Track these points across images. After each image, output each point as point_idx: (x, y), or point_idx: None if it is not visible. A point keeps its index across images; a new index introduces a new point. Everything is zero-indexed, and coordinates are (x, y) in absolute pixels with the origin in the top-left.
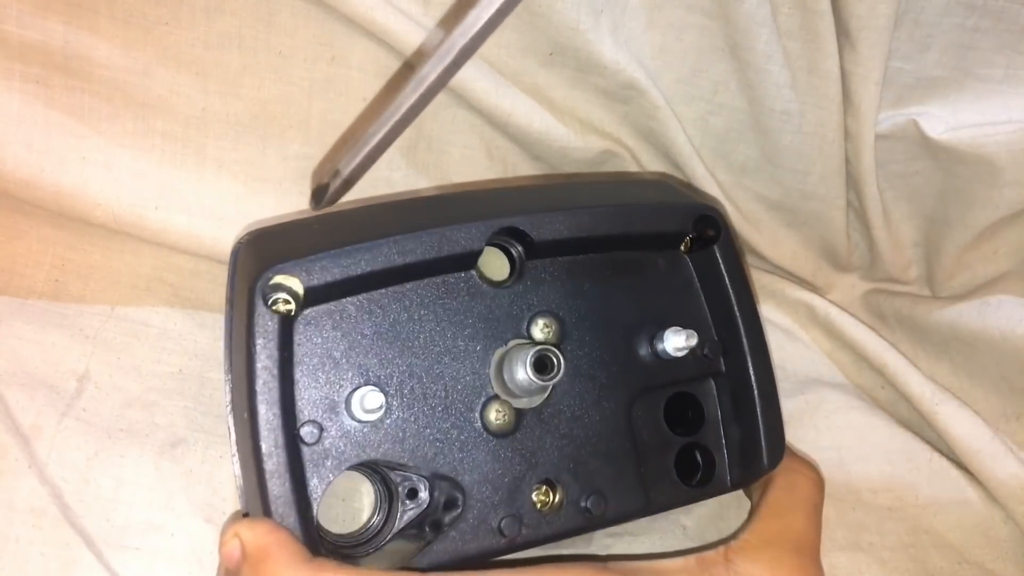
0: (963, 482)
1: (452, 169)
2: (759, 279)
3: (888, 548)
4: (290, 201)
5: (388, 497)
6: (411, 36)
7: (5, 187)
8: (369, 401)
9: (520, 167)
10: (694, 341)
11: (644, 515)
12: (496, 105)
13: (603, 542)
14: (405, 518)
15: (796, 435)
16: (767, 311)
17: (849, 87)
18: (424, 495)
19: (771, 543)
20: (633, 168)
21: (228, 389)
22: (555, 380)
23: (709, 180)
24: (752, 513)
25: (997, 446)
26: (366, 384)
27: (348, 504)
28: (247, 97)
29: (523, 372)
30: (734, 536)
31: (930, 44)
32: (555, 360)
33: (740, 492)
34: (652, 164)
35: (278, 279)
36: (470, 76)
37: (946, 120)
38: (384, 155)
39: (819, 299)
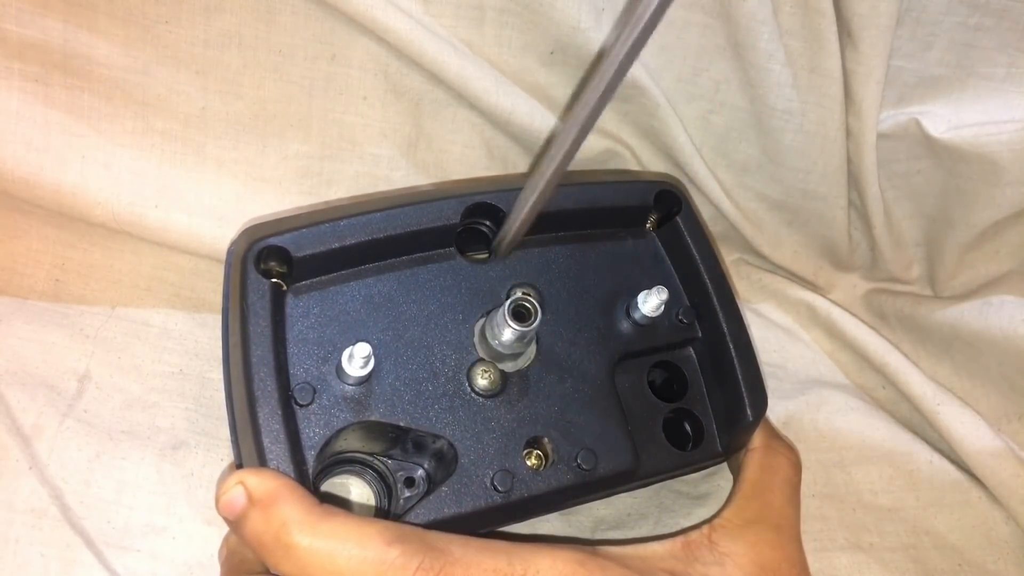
0: (964, 483)
1: (452, 167)
2: (760, 279)
3: (889, 549)
4: (290, 200)
5: (387, 492)
6: (411, 35)
7: (5, 186)
8: (358, 351)
9: (520, 166)
10: (665, 295)
11: (638, 480)
12: (496, 104)
13: (608, 535)
14: (405, 505)
15: (797, 435)
16: (768, 311)
17: (851, 86)
18: (421, 480)
19: (751, 522)
20: (633, 167)
21: (225, 374)
22: (533, 327)
23: (710, 179)
24: (733, 492)
25: (999, 446)
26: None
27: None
28: (247, 96)
29: (504, 325)
30: (717, 515)
31: (932, 43)
32: (532, 308)
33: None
34: (653, 163)
35: (269, 245)
36: (471, 75)
37: (948, 119)
38: (384, 153)
39: (820, 299)
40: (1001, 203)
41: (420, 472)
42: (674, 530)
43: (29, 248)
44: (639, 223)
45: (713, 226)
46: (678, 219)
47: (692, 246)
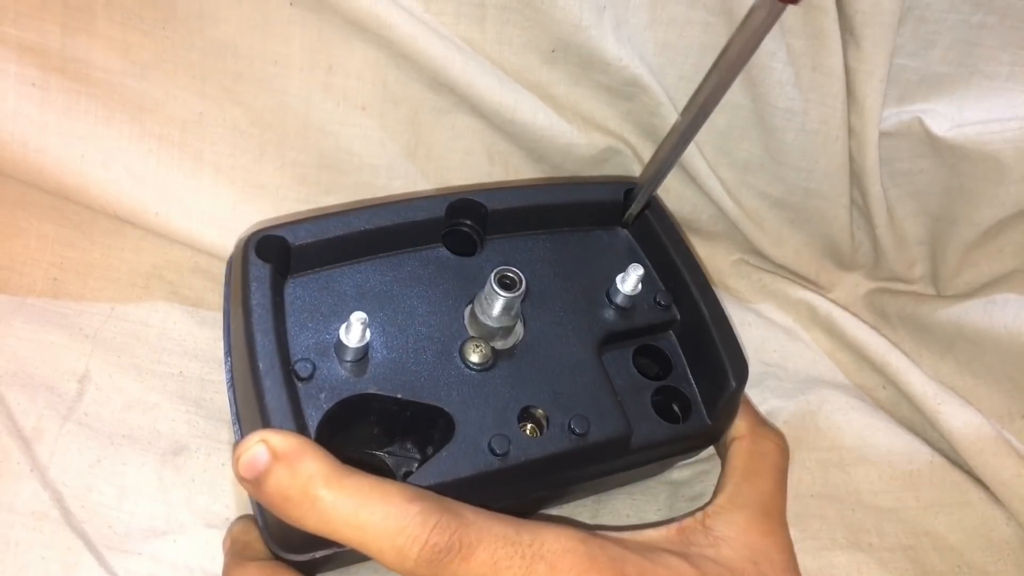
0: (965, 483)
1: (453, 175)
2: (760, 279)
3: (888, 549)
4: (287, 208)
5: None
6: (414, 32)
7: (3, 185)
8: (355, 319)
9: (522, 170)
10: (641, 271)
11: (633, 453)
12: (499, 101)
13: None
14: None
15: (797, 435)
16: (768, 311)
17: (853, 84)
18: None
19: (743, 507)
20: (636, 166)
21: (227, 360)
22: (519, 293)
23: (711, 178)
24: (723, 480)
25: (1001, 445)
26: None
27: None
28: (244, 103)
29: (493, 296)
30: (709, 503)
31: (935, 41)
32: (516, 276)
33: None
34: None
35: (268, 235)
36: (474, 71)
37: (951, 117)
38: (383, 163)
39: (820, 299)
40: (1005, 201)
41: (416, 465)
42: None
43: (27, 247)
44: (611, 220)
45: (714, 225)
46: (648, 213)
47: (664, 236)
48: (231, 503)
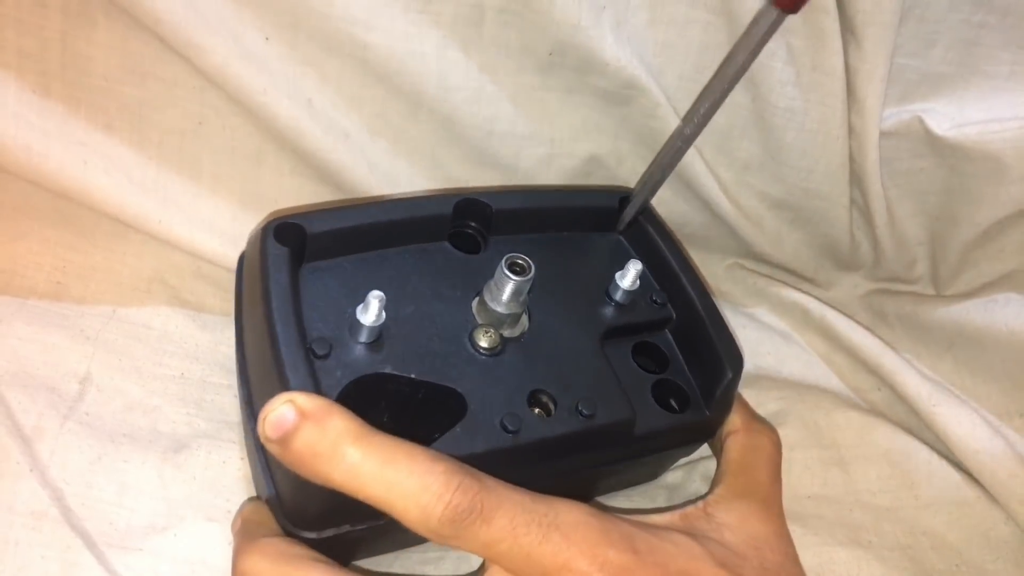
0: (963, 483)
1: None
2: (755, 283)
3: (887, 548)
4: None
5: None
6: (389, 48)
7: (6, 189)
8: (372, 297)
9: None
10: (640, 266)
11: (637, 439)
12: (475, 113)
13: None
14: None
15: (795, 436)
16: (762, 315)
17: (853, 83)
18: None
19: (741, 496)
20: (618, 182)
21: (239, 348)
22: (530, 276)
23: (709, 177)
24: (720, 472)
25: (997, 446)
26: None
27: None
28: (241, 115)
29: (504, 279)
30: (709, 492)
31: (935, 40)
32: (525, 262)
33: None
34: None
35: (285, 222)
36: (453, 86)
37: (951, 117)
38: (371, 189)
39: (814, 301)
40: (1005, 201)
41: None
42: None
43: (30, 250)
44: (607, 226)
45: (707, 231)
46: (641, 219)
47: (658, 240)
48: (233, 498)
